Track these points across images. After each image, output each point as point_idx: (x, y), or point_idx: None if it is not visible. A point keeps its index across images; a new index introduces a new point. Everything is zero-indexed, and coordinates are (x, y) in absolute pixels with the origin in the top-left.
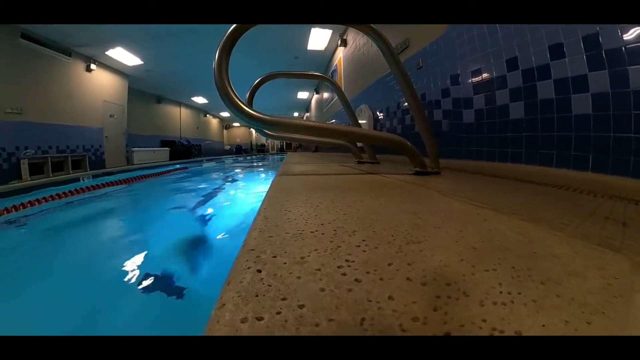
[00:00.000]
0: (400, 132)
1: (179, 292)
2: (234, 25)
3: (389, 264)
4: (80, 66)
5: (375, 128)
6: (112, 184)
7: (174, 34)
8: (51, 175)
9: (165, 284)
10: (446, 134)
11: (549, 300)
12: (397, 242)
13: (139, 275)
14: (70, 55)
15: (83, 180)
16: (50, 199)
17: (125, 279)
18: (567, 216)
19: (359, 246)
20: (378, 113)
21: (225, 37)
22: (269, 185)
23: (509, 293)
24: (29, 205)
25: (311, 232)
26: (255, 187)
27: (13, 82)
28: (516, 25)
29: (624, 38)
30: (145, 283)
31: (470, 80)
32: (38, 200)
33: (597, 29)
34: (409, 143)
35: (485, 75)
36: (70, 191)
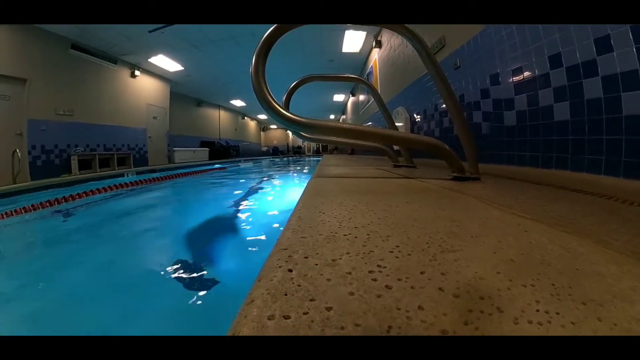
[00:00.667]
0: (438, 135)
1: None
2: (269, 30)
3: (422, 272)
4: (125, 72)
5: (412, 131)
6: (154, 180)
7: (213, 41)
8: (98, 170)
9: (195, 283)
10: (486, 137)
11: (589, 323)
12: (432, 249)
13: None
14: (116, 63)
15: (127, 175)
16: (97, 191)
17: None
18: (616, 230)
19: (392, 252)
20: (415, 115)
21: (261, 42)
22: (303, 187)
23: (547, 312)
24: (84, 195)
25: (344, 235)
26: (290, 187)
27: (65, 88)
28: None
29: None
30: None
31: (510, 80)
32: (92, 191)
33: None
34: (447, 147)
35: (527, 73)
36: (116, 185)
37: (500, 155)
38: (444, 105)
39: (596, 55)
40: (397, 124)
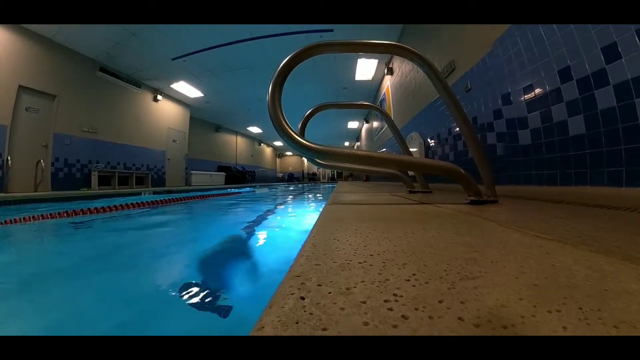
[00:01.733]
0: (452, 159)
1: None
2: (285, 60)
3: (440, 301)
4: (148, 96)
5: (426, 155)
6: (171, 200)
7: (231, 69)
8: (117, 187)
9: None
10: (502, 158)
11: None
12: (450, 277)
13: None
14: (140, 87)
15: (144, 194)
16: (115, 208)
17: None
18: None
19: (408, 280)
20: (429, 140)
21: (277, 71)
22: (318, 214)
23: None
24: (102, 210)
25: (359, 262)
26: (304, 213)
27: (91, 107)
28: (564, 32)
29: None
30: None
31: (522, 98)
32: (110, 207)
33: None
34: (462, 170)
35: (538, 90)
36: (133, 203)
37: (518, 176)
38: (458, 129)
39: (605, 64)
40: (411, 150)
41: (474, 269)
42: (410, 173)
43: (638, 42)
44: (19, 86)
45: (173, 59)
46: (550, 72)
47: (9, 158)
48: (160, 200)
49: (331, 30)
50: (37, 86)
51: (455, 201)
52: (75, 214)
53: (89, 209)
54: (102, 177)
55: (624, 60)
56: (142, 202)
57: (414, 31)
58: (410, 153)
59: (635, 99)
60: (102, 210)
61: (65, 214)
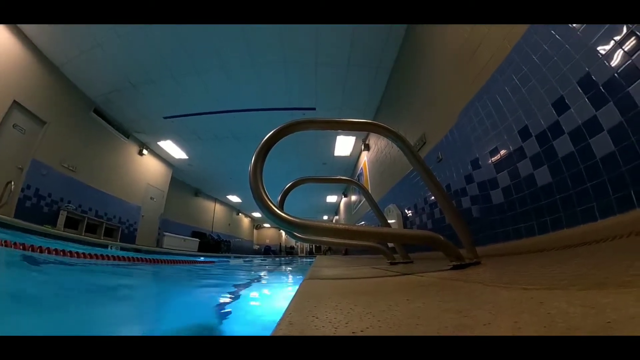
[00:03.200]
0: (431, 226)
1: None
2: (270, 133)
3: None
4: (134, 148)
5: (405, 226)
6: (138, 260)
7: (217, 137)
8: (83, 234)
9: None
10: (478, 219)
11: None
12: None
13: None
14: (128, 137)
15: (110, 248)
16: (75, 254)
17: None
18: (632, 266)
19: None
20: (406, 211)
21: (261, 144)
22: (295, 290)
23: None
24: (61, 252)
25: None
26: (281, 289)
27: (76, 144)
28: (518, 96)
29: (612, 65)
30: None
31: (490, 161)
32: (70, 252)
33: (587, 69)
34: (441, 237)
35: (503, 152)
36: (97, 254)
37: (496, 234)
38: (433, 197)
39: (557, 116)
40: (389, 221)
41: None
42: (390, 244)
43: (580, 91)
44: (14, 101)
45: (165, 117)
46: (512, 134)
47: None
48: (127, 257)
49: (314, 109)
50: (31, 107)
51: (438, 268)
52: (33, 250)
53: (48, 248)
54: (70, 219)
55: (572, 110)
56: (105, 255)
57: (388, 110)
58: (388, 225)
59: (589, 139)
60: (61, 253)
61: (21, 246)
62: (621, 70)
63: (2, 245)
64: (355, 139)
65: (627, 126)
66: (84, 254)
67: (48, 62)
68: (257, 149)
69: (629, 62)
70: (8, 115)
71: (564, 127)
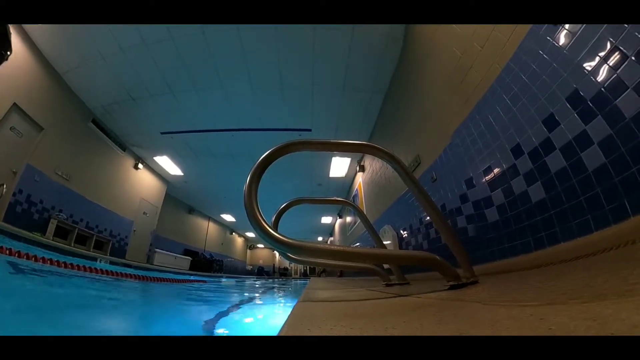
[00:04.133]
0: (427, 247)
1: None
2: (266, 153)
3: None
4: (130, 162)
5: (400, 247)
6: (128, 275)
7: (214, 155)
8: (72, 245)
9: None
10: (474, 239)
11: None
12: None
13: None
14: (124, 150)
15: (100, 262)
16: (63, 264)
17: None
18: (632, 274)
19: None
20: (402, 232)
21: (256, 164)
22: (288, 313)
23: None
24: (48, 261)
25: None
26: (273, 311)
27: (72, 153)
28: (510, 115)
29: (598, 80)
30: None
31: (484, 180)
32: (58, 262)
33: (574, 85)
34: (437, 257)
35: (496, 170)
36: (85, 266)
37: (492, 252)
38: (428, 218)
39: (548, 133)
40: (385, 242)
41: None
42: (386, 266)
43: (569, 107)
44: (14, 103)
45: (162, 133)
46: (504, 152)
47: None
48: (116, 272)
49: (310, 130)
50: (30, 112)
51: (435, 289)
52: (20, 256)
53: (35, 255)
54: (60, 229)
55: (562, 126)
56: (94, 268)
57: (383, 131)
58: (384, 246)
59: (581, 153)
60: (48, 261)
61: (7, 252)
62: (607, 85)
63: None
64: (351, 160)
65: (616, 138)
66: (71, 264)
67: (51, 69)
68: (253, 169)
69: (614, 76)
70: (7, 116)
71: (555, 143)
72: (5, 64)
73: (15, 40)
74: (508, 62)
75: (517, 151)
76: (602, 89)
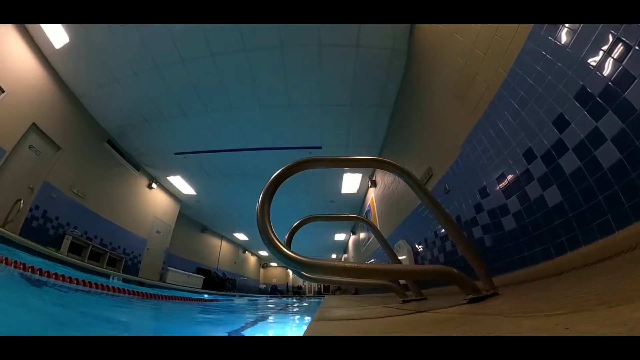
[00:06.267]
0: (443, 260)
1: None
2: (277, 172)
3: None
4: (144, 182)
5: (416, 261)
6: (140, 294)
7: (226, 175)
8: (86, 261)
9: None
10: (492, 249)
11: None
12: None
13: None
14: (138, 170)
15: (112, 279)
16: (76, 281)
17: None
18: None
19: None
20: (417, 246)
21: (268, 183)
22: (302, 332)
23: None
24: (60, 277)
25: None
26: (285, 331)
27: (87, 172)
28: (519, 120)
29: (604, 74)
30: None
31: (498, 188)
32: (70, 278)
33: (581, 83)
34: (455, 270)
35: (510, 177)
36: (98, 284)
37: (512, 262)
38: (443, 230)
39: (560, 134)
40: (400, 258)
41: None
42: (402, 282)
43: (578, 105)
44: (33, 123)
45: (175, 154)
46: (517, 157)
47: None
48: (129, 290)
49: (320, 147)
50: (48, 131)
51: (453, 303)
52: (33, 271)
53: (48, 271)
54: (75, 245)
55: (573, 125)
56: (108, 286)
57: (392, 145)
58: (399, 261)
59: (594, 151)
60: (60, 278)
61: (21, 266)
62: (614, 78)
63: (2, 262)
64: (362, 176)
65: (629, 131)
66: (83, 281)
67: (69, 92)
68: (265, 188)
69: (620, 68)
70: (26, 135)
71: (567, 144)
72: (25, 85)
73: (35, 64)
74: (512, 66)
75: (529, 155)
76: (610, 83)
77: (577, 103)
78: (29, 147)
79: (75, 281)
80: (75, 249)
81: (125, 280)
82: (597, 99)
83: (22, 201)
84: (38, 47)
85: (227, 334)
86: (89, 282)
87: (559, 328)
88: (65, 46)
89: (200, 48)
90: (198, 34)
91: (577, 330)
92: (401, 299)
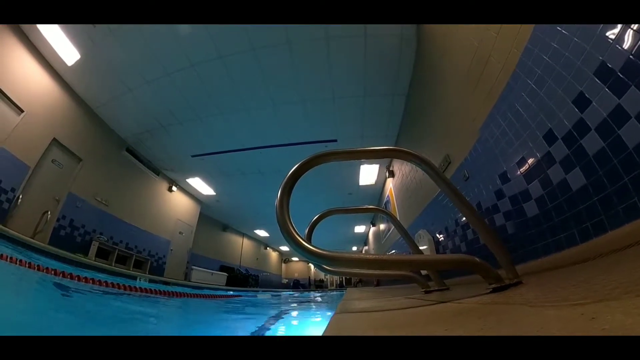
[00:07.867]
0: (465, 249)
1: None
2: (294, 167)
3: None
4: (164, 185)
5: (437, 251)
6: (166, 293)
7: (243, 173)
8: (113, 264)
9: None
10: (514, 236)
11: None
12: None
13: None
14: (158, 175)
15: (139, 280)
16: (105, 283)
17: None
18: None
19: None
20: (438, 235)
21: (286, 178)
22: (324, 326)
23: None
24: (90, 281)
25: None
26: (307, 324)
27: (109, 180)
28: (537, 100)
29: (625, 47)
30: None
31: (519, 172)
32: (99, 281)
33: (600, 58)
34: (477, 259)
35: (531, 160)
36: (125, 285)
37: (535, 249)
38: (464, 218)
39: (581, 114)
40: (421, 248)
41: None
42: (424, 272)
43: (599, 82)
44: (54, 138)
45: (193, 156)
46: (537, 140)
47: (20, 196)
48: (156, 290)
49: (335, 141)
50: (69, 145)
51: (476, 293)
52: (64, 276)
53: (78, 275)
54: (101, 250)
55: (594, 103)
56: (135, 287)
57: (408, 134)
58: (420, 251)
59: (618, 130)
60: (90, 281)
61: (53, 272)
62: (635, 50)
63: (35, 269)
64: (379, 167)
65: None
66: (112, 283)
67: (84, 105)
68: (283, 184)
69: None
70: (48, 150)
71: (589, 123)
72: (43, 103)
73: (50, 82)
74: (526, 44)
75: (550, 137)
76: (631, 56)
77: (597, 80)
78: (52, 161)
79: (104, 283)
80: (102, 253)
81: (151, 281)
82: (619, 74)
83: (49, 212)
84: (51, 66)
85: (256, 328)
86: (118, 284)
87: (584, 318)
88: (77, 62)
89: (207, 51)
90: (204, 37)
91: (605, 320)
92: (423, 290)
